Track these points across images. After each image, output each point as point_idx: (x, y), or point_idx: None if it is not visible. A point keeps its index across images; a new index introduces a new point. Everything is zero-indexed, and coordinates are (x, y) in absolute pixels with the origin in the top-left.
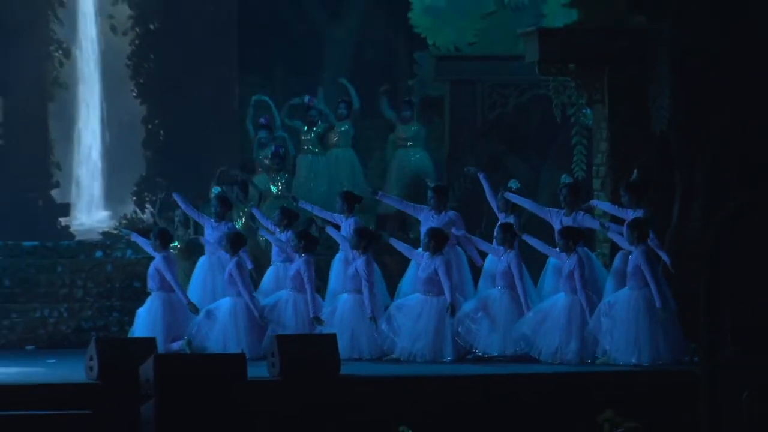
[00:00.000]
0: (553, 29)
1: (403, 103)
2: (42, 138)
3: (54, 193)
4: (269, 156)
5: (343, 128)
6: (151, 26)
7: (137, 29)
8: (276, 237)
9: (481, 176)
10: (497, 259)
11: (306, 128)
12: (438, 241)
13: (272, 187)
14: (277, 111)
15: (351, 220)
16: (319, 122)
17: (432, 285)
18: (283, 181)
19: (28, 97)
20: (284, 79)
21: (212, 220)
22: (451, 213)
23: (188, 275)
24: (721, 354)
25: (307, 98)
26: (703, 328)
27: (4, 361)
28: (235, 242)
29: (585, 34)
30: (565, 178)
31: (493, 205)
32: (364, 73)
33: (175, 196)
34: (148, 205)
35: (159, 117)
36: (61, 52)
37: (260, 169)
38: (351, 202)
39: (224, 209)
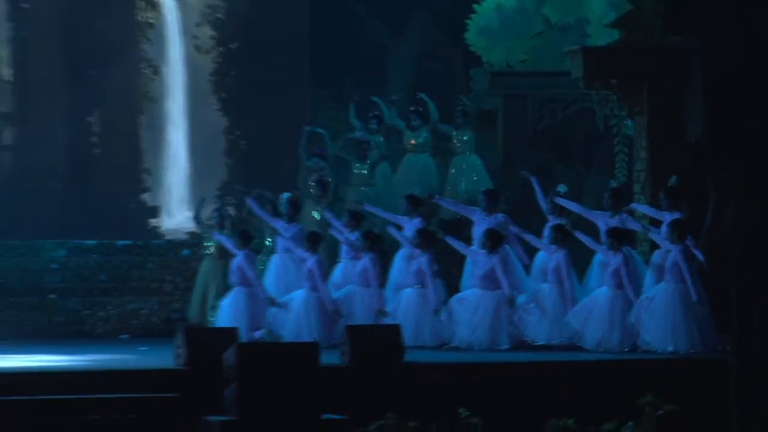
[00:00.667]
0: (597, 48)
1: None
2: (133, 147)
3: (145, 197)
4: (314, 183)
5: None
6: (232, 46)
7: (219, 48)
8: (345, 236)
9: (533, 180)
10: (548, 256)
11: (358, 164)
12: (494, 240)
13: (314, 213)
14: (330, 140)
15: (416, 221)
16: (370, 153)
17: (489, 281)
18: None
19: (121, 111)
20: (352, 92)
21: (283, 221)
22: (499, 215)
23: (224, 275)
24: (750, 350)
25: (358, 134)
26: (733, 325)
27: (100, 348)
28: (314, 241)
29: (626, 52)
30: (612, 183)
31: (543, 206)
32: (425, 88)
33: (249, 202)
34: (229, 208)
35: (239, 128)
36: (150, 69)
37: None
38: (415, 204)
39: (294, 211)
